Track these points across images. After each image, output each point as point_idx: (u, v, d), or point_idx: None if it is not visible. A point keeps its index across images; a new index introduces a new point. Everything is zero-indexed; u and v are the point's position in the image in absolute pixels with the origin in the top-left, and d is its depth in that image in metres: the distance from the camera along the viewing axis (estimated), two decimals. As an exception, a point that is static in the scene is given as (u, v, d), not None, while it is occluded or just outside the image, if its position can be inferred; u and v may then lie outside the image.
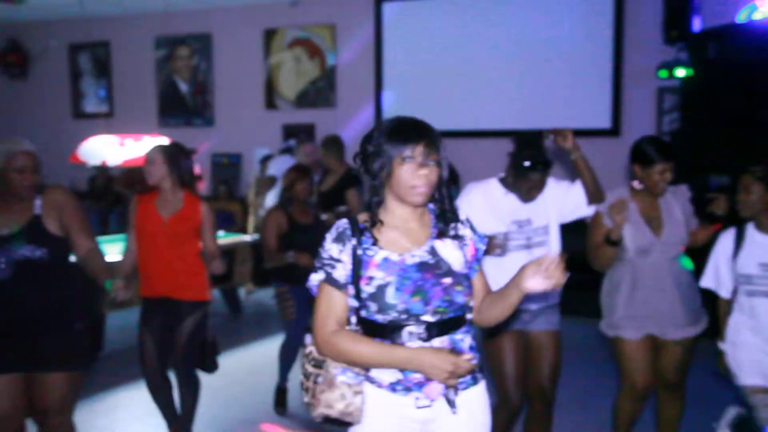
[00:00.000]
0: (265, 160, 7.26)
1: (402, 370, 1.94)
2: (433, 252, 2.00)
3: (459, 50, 8.37)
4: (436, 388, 1.92)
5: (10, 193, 2.80)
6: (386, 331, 1.92)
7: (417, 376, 1.94)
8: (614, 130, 7.83)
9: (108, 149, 7.40)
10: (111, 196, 8.50)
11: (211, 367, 3.63)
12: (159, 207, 3.49)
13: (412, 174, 1.90)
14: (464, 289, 1.99)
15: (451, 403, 1.96)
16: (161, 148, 3.52)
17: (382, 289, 1.92)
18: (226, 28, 9.49)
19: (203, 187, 9.43)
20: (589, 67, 7.90)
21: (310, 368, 1.99)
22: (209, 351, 3.58)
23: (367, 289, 1.93)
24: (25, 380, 2.79)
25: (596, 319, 3.42)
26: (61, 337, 2.85)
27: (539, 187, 3.11)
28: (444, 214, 2.04)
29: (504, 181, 3.17)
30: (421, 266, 1.97)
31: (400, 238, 1.99)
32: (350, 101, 8.88)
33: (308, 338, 2.05)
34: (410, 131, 1.93)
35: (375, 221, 1.97)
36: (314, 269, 2.01)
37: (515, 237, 3.15)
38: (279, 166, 6.20)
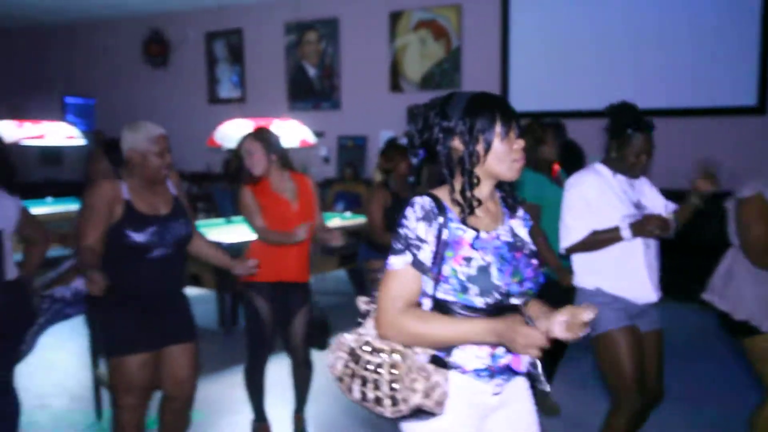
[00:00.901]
0: (391, 142, 7.28)
1: (492, 355, 1.85)
2: (512, 232, 1.96)
3: (590, 28, 8.01)
4: (519, 360, 1.85)
5: (147, 176, 2.89)
6: (484, 316, 1.80)
7: (505, 360, 1.86)
8: (760, 108, 7.24)
9: (241, 133, 7.60)
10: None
11: (323, 345, 3.67)
12: (280, 192, 3.50)
13: (512, 149, 1.84)
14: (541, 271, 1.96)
15: (536, 378, 1.90)
16: (256, 137, 3.48)
17: (484, 270, 1.81)
18: (353, 12, 9.52)
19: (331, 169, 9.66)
20: (734, 39, 7.34)
21: (373, 358, 1.82)
22: (323, 330, 3.63)
23: (466, 270, 1.81)
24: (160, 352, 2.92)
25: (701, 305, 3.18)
26: (189, 309, 3.05)
27: (648, 151, 2.89)
28: (512, 192, 1.98)
29: (607, 163, 2.98)
30: (511, 246, 1.90)
31: (484, 216, 1.91)
32: (475, 83, 8.70)
33: (346, 338, 1.90)
34: (507, 107, 1.87)
35: (469, 199, 1.86)
36: (393, 251, 1.84)
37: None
38: (404, 148, 6.21)
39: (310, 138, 7.17)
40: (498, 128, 1.83)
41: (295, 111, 9.78)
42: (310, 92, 10.04)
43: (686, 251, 4.84)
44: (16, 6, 10.44)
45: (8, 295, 2.93)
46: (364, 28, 9.50)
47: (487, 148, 1.83)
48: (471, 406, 1.87)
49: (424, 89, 9.05)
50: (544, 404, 3.86)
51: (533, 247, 1.98)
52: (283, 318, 3.50)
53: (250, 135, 3.49)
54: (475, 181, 1.86)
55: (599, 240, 2.87)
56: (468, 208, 1.85)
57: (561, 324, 1.73)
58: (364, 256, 4.36)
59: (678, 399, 3.87)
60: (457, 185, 1.88)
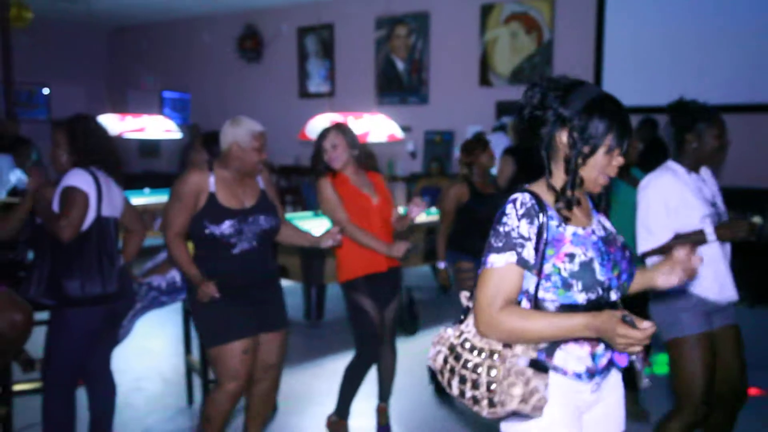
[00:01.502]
0: (478, 135, 7.20)
1: (592, 355, 1.83)
2: (603, 226, 1.93)
3: (686, 24, 7.71)
4: (625, 357, 1.84)
5: (244, 170, 2.99)
6: (586, 311, 1.77)
7: (605, 360, 1.85)
8: None
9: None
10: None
11: (413, 331, 3.60)
12: (359, 187, 3.50)
13: (610, 164, 1.81)
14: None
15: (638, 375, 1.86)
16: (340, 130, 3.48)
17: (587, 265, 1.80)
18: (444, 6, 9.47)
19: (417, 164, 9.65)
20: None
21: (472, 357, 1.81)
22: (413, 315, 3.58)
23: (569, 267, 1.79)
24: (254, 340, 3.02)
25: None
26: (281, 298, 3.17)
27: (725, 140, 2.86)
28: (574, 186, 1.87)
29: (681, 160, 2.91)
30: (605, 240, 1.88)
31: (578, 212, 1.87)
32: None
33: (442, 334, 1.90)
34: (627, 122, 1.81)
35: (571, 198, 1.82)
36: (493, 249, 1.80)
37: (713, 220, 2.85)
38: (492, 144, 6.13)
39: (398, 133, 7.14)
40: (609, 140, 1.79)
41: (383, 105, 9.83)
42: (398, 86, 10.06)
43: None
44: (120, 6, 10.93)
45: (116, 281, 3.08)
46: (455, 21, 9.44)
47: (591, 153, 1.80)
48: (570, 406, 1.86)
49: (513, 84, 8.91)
50: (633, 410, 3.76)
51: (623, 240, 1.94)
52: (379, 308, 3.50)
53: (334, 128, 3.49)
54: (579, 181, 1.82)
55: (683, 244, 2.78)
56: (567, 206, 1.82)
57: (666, 272, 1.91)
58: (451, 258, 4.31)
59: None
60: (557, 182, 1.84)
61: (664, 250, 2.80)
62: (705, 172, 3.03)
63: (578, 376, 1.83)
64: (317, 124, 6.99)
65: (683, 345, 2.85)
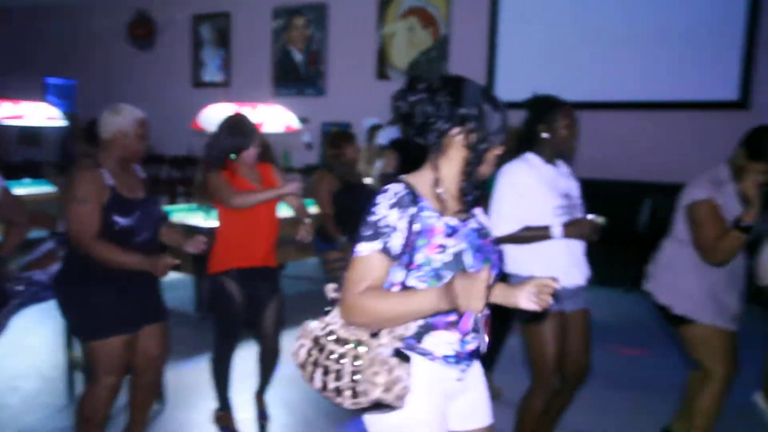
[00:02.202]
0: (374, 129, 7.27)
1: (461, 341, 1.87)
2: (477, 219, 1.97)
3: (577, 20, 8.07)
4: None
5: (126, 159, 2.94)
6: None
7: (471, 346, 1.89)
8: (743, 103, 7.31)
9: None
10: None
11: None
12: (248, 178, 3.51)
13: (488, 160, 1.89)
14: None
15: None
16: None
17: (459, 257, 1.82)
18: None
19: (313, 155, 9.62)
20: (717, 34, 7.40)
21: (336, 347, 1.82)
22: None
23: (442, 257, 1.81)
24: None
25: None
26: (159, 290, 3.13)
27: (574, 125, 3.02)
28: (473, 187, 1.93)
29: (537, 151, 3.06)
30: (479, 233, 1.92)
31: (453, 206, 1.90)
32: (462, 72, 8.45)
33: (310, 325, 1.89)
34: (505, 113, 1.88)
35: (438, 191, 1.86)
36: (362, 238, 1.80)
37: (565, 212, 3.00)
38: (388, 136, 6.19)
39: (295, 124, 7.16)
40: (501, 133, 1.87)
41: (280, 96, 9.79)
42: (295, 78, 10.03)
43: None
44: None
45: None
46: (353, 14, 9.50)
47: (489, 148, 1.85)
48: (437, 396, 1.89)
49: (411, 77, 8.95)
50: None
51: (495, 234, 2.01)
52: (254, 304, 3.49)
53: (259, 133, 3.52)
54: (477, 174, 1.87)
55: (530, 237, 2.96)
56: (473, 201, 1.89)
57: (528, 294, 1.84)
58: (318, 247, 4.34)
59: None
60: (447, 176, 1.87)
61: (515, 239, 2.94)
62: (561, 164, 3.16)
63: (446, 360, 1.87)
64: (210, 113, 6.87)
65: (535, 325, 3.02)
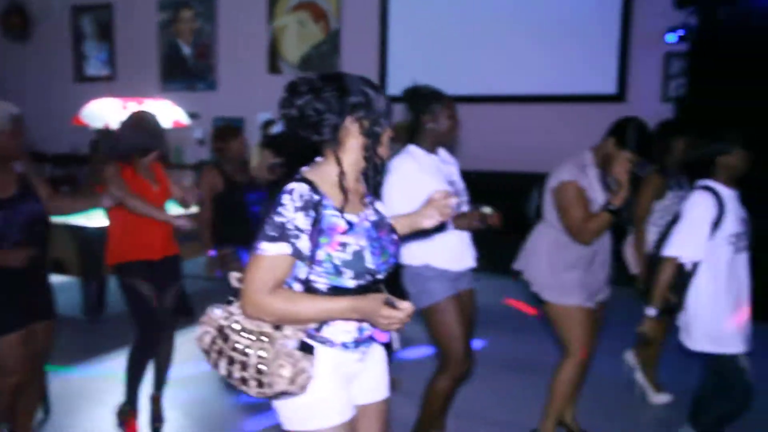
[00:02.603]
0: (268, 124, 7.25)
1: (359, 329, 1.96)
2: (376, 210, 2.04)
3: (465, 16, 8.38)
4: (384, 334, 1.99)
5: (2, 155, 2.89)
6: (351, 295, 1.87)
7: (368, 332, 1.98)
8: (620, 96, 7.81)
9: (110, 112, 7.48)
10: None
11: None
12: (142, 175, 3.52)
13: (384, 143, 1.96)
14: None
15: (390, 348, 2.01)
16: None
17: (359, 254, 1.89)
18: None
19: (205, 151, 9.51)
20: (596, 31, 7.88)
21: (241, 339, 1.85)
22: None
23: (342, 256, 1.88)
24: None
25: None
26: (49, 287, 3.10)
27: (456, 121, 3.14)
28: (376, 171, 1.99)
29: (418, 143, 3.16)
30: (376, 225, 1.99)
31: (353, 199, 1.96)
32: (354, 66, 8.79)
33: (216, 311, 1.92)
34: (388, 103, 1.95)
35: (344, 184, 1.90)
36: (267, 237, 1.82)
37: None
38: (281, 131, 6.19)
39: (184, 119, 7.11)
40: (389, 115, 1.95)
41: (168, 91, 9.67)
42: (184, 72, 9.93)
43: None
44: None
45: None
46: (243, 7, 9.47)
47: (383, 131, 1.92)
48: (339, 378, 1.96)
49: (302, 71, 9.05)
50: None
51: (391, 222, 2.08)
52: (156, 293, 3.48)
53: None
54: (379, 166, 1.96)
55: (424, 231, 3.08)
56: (373, 188, 1.96)
57: (429, 214, 2.14)
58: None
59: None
60: (348, 168, 1.91)
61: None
62: (443, 153, 3.27)
63: (345, 346, 1.95)
64: (94, 108, 6.71)
65: (437, 309, 3.10)
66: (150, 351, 3.51)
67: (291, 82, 1.89)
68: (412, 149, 3.14)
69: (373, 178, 1.95)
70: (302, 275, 1.88)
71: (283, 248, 1.81)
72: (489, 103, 8.19)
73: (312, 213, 1.83)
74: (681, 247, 3.03)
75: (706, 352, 3.09)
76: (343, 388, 1.98)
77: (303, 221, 1.82)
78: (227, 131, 4.40)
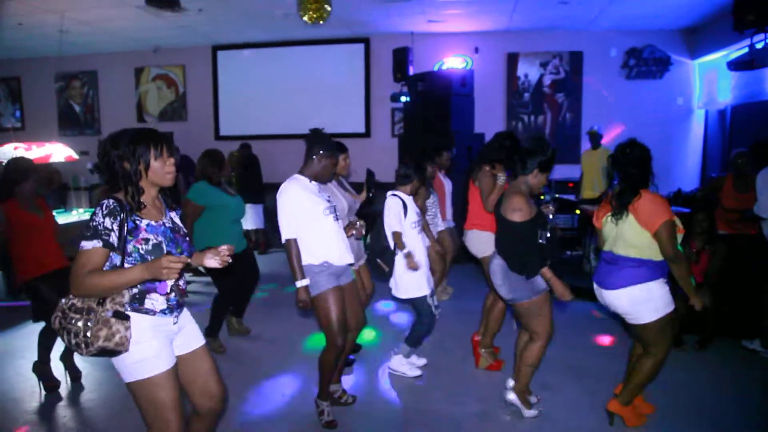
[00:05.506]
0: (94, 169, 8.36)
1: (168, 299, 2.29)
2: (171, 220, 2.35)
3: (268, 81, 10.57)
4: (165, 285, 2.27)
5: None
6: None
7: (175, 302, 2.31)
8: (367, 133, 10.33)
9: (16, 152, 7.50)
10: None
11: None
12: (27, 209, 3.78)
13: (165, 164, 2.27)
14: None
15: (179, 295, 2.32)
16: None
17: (157, 246, 2.20)
18: (108, 67, 11.31)
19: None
20: (351, 94, 10.34)
21: (74, 315, 2.10)
22: None
23: (145, 247, 2.17)
24: None
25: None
26: None
27: (336, 164, 3.42)
28: (169, 195, 2.36)
29: (304, 173, 3.38)
30: (172, 229, 2.31)
31: (152, 210, 2.27)
32: (197, 116, 10.93)
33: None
34: (158, 136, 2.26)
35: (138, 200, 2.20)
36: (85, 237, 2.09)
37: (331, 211, 3.36)
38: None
39: (74, 155, 8.39)
40: (152, 152, 2.24)
41: (64, 137, 11.29)
42: (76, 123, 11.49)
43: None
44: None
45: None
46: (117, 77, 11.26)
47: (146, 166, 2.23)
48: (162, 336, 2.28)
49: (161, 120, 11.13)
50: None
51: (185, 229, 2.46)
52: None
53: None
54: (141, 189, 2.22)
55: (296, 253, 3.26)
56: (137, 207, 2.22)
57: (209, 257, 2.32)
58: None
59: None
60: (136, 191, 2.22)
61: (289, 251, 3.26)
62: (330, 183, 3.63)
63: (164, 312, 2.29)
64: (3, 150, 7.63)
65: (322, 298, 3.32)
66: (53, 336, 3.89)
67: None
68: (298, 176, 3.35)
69: (137, 200, 2.20)
70: (118, 263, 2.16)
71: (95, 243, 2.12)
72: (286, 139, 10.23)
73: (118, 217, 2.13)
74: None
75: (411, 297, 3.77)
76: (165, 345, 2.26)
77: (110, 223, 2.12)
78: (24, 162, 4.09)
